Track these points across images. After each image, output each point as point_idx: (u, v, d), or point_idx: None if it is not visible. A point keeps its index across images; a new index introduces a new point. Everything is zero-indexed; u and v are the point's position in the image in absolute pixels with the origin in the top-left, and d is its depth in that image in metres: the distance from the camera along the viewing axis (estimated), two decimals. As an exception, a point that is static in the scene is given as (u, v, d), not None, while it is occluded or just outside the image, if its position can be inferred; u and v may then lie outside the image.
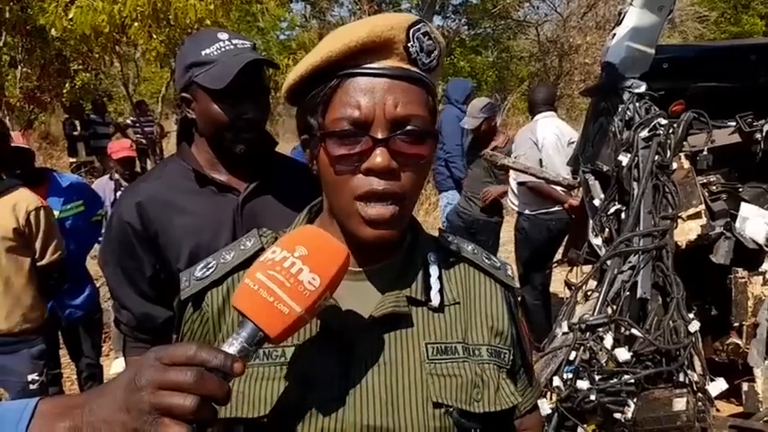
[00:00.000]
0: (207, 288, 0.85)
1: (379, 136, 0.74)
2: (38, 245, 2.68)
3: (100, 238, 3.54)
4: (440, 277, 0.86)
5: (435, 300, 0.83)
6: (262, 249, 0.85)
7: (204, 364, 0.60)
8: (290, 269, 0.67)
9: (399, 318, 0.81)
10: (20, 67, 9.18)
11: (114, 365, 4.30)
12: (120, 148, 4.17)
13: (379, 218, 0.76)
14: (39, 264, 2.71)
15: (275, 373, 0.78)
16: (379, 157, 0.74)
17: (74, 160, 9.57)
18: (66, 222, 3.20)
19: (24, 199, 2.64)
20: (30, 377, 2.69)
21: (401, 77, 0.76)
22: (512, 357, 0.88)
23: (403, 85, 0.76)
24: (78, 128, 9.52)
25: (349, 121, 0.74)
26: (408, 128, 0.75)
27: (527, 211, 4.14)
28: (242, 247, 0.87)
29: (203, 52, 1.38)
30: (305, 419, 0.76)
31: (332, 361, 0.78)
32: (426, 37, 0.77)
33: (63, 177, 3.42)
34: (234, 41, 1.41)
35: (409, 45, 0.76)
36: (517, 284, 0.94)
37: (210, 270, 0.86)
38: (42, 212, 2.67)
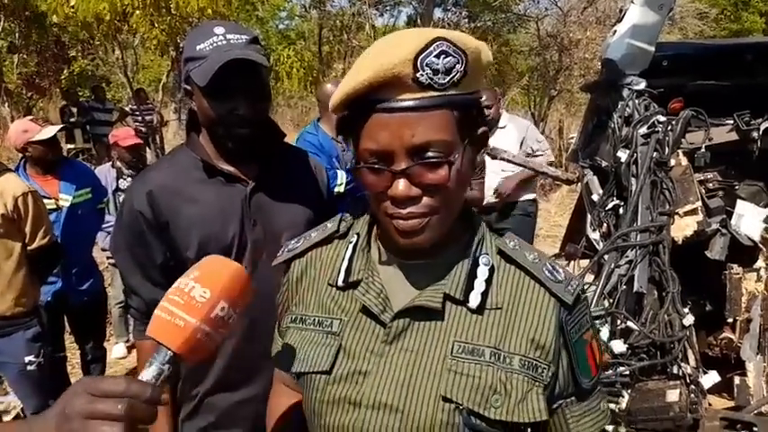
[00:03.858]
0: (292, 258, 1.00)
1: (397, 168, 0.78)
2: (27, 229, 2.69)
3: (103, 225, 3.56)
4: (488, 280, 0.87)
5: (474, 301, 0.85)
6: (336, 231, 0.98)
7: (136, 398, 0.65)
8: (183, 289, 0.75)
9: (431, 311, 0.85)
10: (18, 53, 9.13)
11: (115, 350, 4.34)
12: (127, 135, 4.12)
13: (408, 229, 0.81)
14: (29, 248, 2.71)
15: (323, 339, 0.90)
16: (399, 187, 0.78)
17: (72, 147, 9.54)
18: (79, 210, 3.21)
19: (11, 185, 2.64)
20: (27, 359, 2.73)
21: (415, 108, 0.76)
22: (551, 374, 0.84)
23: (418, 114, 0.76)
24: (75, 114, 9.49)
25: (372, 153, 0.79)
26: (427, 154, 0.77)
27: (531, 197, 4.26)
28: (323, 229, 1.00)
29: (197, 47, 1.36)
30: (334, 382, 0.87)
31: (368, 338, 0.87)
32: (443, 56, 0.75)
33: (74, 165, 3.44)
34: (228, 36, 1.36)
35: (418, 75, 0.75)
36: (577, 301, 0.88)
37: (299, 243, 1.01)
38: (30, 197, 2.67)
